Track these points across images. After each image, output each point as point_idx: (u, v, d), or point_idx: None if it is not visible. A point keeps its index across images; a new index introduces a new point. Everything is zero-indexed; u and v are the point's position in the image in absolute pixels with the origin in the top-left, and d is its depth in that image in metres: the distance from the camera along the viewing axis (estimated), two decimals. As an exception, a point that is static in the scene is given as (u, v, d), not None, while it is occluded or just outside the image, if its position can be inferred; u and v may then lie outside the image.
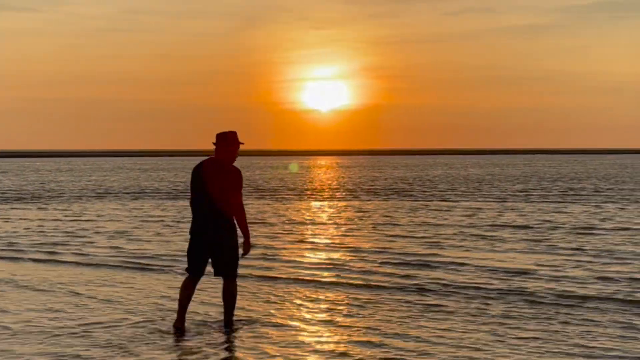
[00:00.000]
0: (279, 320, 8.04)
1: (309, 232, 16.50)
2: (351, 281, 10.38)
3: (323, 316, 8.29)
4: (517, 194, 29.78)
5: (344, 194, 31.40)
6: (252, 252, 11.09)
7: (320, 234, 16.19)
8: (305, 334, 7.54)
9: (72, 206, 24.75)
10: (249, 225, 7.77)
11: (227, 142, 7.58)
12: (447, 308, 8.64)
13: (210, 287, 9.77)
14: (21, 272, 11.27)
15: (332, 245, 14.40)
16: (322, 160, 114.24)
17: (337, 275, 10.82)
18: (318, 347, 7.05)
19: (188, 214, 21.51)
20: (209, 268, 7.72)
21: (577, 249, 13.30)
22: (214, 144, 7.62)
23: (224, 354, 6.86)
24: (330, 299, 9.23)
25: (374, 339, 7.28)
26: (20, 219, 20.24)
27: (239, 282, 8.15)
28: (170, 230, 17.18)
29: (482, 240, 14.75)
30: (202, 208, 7.53)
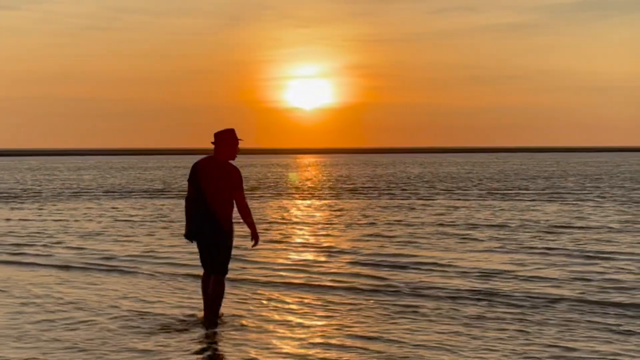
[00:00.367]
0: (244, 322, 7.88)
1: (282, 232, 16.33)
2: (321, 283, 10.22)
3: (290, 318, 8.12)
4: (494, 192, 29.77)
5: (322, 192, 31.26)
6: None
7: (293, 234, 16.03)
8: (269, 336, 7.38)
9: (46, 205, 24.44)
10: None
11: (227, 139, 7.62)
12: (419, 309, 8.51)
13: (180, 287, 9.58)
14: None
15: (305, 245, 14.25)
16: (306, 159, 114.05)
17: (307, 277, 10.63)
18: (282, 349, 6.91)
19: (163, 212, 21.28)
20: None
21: (550, 249, 13.22)
22: (213, 143, 7.63)
23: (206, 354, 6.76)
24: (299, 301, 9.07)
25: (340, 342, 7.14)
26: (-8, 218, 19.93)
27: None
28: (143, 230, 16.95)
29: (457, 240, 14.65)
30: (198, 208, 7.57)
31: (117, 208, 23.18)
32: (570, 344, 7.07)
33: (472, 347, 7.00)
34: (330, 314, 8.36)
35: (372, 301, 9.00)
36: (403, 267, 11.43)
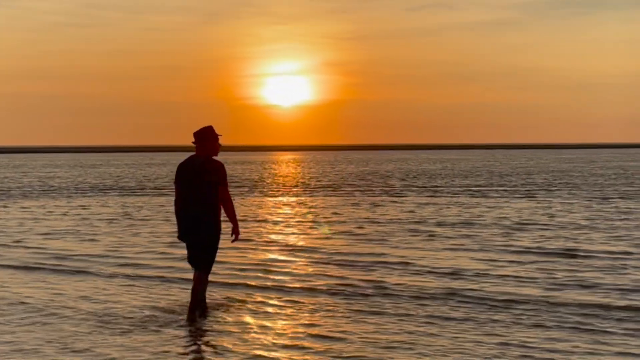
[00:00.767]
0: (200, 326, 7.70)
1: (251, 231, 16.14)
2: (285, 283, 10.01)
3: (250, 320, 7.95)
4: (466, 189, 29.78)
5: (295, 189, 31.12)
6: (179, 252, 10.76)
7: (259, 232, 15.84)
8: (230, 339, 7.23)
9: (13, 203, 24.05)
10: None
11: (205, 138, 7.75)
12: (383, 309, 8.41)
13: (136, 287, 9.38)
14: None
15: (271, 243, 14.05)
16: (284, 156, 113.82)
17: (271, 278, 10.43)
18: (241, 351, 6.77)
19: (129, 211, 21.00)
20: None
21: (517, 246, 13.13)
22: (193, 142, 7.78)
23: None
24: (263, 302, 8.87)
25: (301, 343, 7.03)
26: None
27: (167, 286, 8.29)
28: (106, 229, 16.68)
29: (424, 237, 14.55)
30: (187, 209, 7.66)
31: (84, 206, 22.87)
32: (532, 343, 6.99)
33: (435, 347, 6.92)
34: (292, 314, 8.22)
35: (334, 301, 8.86)
36: (369, 265, 11.28)
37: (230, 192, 8.52)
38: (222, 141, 8.13)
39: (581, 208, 20.76)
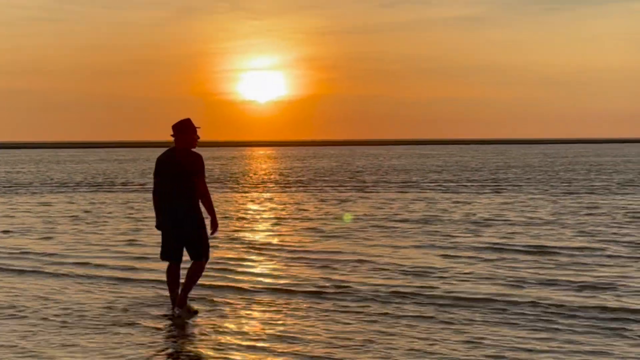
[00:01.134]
0: (162, 327, 7.54)
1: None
2: (243, 284, 9.78)
3: (211, 321, 7.76)
4: (435, 184, 29.79)
5: (264, 185, 30.94)
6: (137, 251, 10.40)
7: (223, 229, 15.62)
8: (188, 340, 7.09)
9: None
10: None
11: (183, 130, 7.81)
12: (343, 308, 8.27)
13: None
14: None
15: (233, 240, 13.85)
16: (259, 151, 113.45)
17: (230, 278, 10.19)
18: (197, 351, 6.62)
19: (94, 208, 20.68)
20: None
21: (480, 243, 13.06)
22: (172, 135, 7.86)
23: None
24: (223, 302, 8.66)
25: (259, 344, 6.89)
26: None
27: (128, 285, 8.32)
28: (69, 227, 16.39)
29: (387, 234, 14.44)
30: (170, 202, 7.73)
31: (50, 203, 22.50)
32: (498, 341, 6.93)
33: (401, 346, 6.83)
34: (256, 314, 8.06)
35: (298, 300, 8.71)
36: (333, 264, 11.11)
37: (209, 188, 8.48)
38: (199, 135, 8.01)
39: (545, 203, 20.79)
